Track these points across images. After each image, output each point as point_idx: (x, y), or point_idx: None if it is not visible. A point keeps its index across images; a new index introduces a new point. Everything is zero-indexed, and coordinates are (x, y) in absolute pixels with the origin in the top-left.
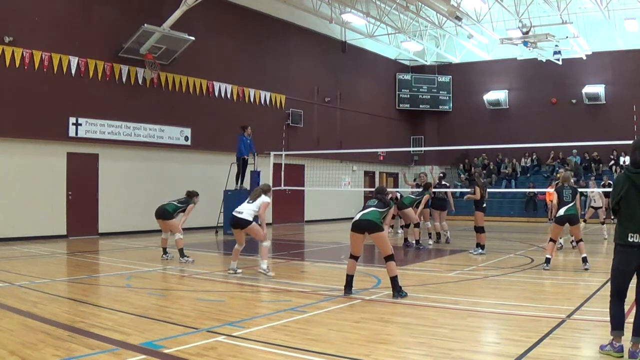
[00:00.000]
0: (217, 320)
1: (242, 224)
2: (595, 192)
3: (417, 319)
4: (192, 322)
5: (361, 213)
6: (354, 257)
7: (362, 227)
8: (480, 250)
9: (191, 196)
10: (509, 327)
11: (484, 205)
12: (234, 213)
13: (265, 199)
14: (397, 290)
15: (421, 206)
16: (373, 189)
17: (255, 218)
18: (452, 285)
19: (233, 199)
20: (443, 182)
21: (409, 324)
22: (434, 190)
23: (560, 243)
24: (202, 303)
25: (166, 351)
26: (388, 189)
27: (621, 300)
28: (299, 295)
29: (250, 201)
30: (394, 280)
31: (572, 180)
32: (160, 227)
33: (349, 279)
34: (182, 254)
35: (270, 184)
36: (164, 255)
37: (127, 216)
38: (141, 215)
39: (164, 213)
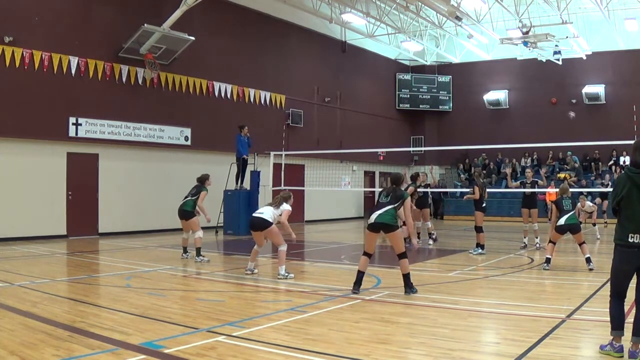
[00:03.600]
0: (217, 320)
1: (264, 224)
2: (587, 205)
3: (417, 319)
4: (192, 322)
5: (376, 214)
6: (367, 255)
7: (378, 228)
8: (480, 250)
9: (202, 181)
10: (509, 327)
11: (484, 205)
12: (254, 214)
13: (288, 207)
14: (409, 287)
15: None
16: (372, 189)
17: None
18: (452, 285)
19: (233, 199)
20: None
21: (409, 324)
22: (423, 190)
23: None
24: (202, 303)
25: (166, 351)
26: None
27: (621, 300)
28: (299, 295)
29: (274, 206)
30: (406, 277)
31: (570, 192)
32: (182, 227)
33: (360, 276)
34: (198, 253)
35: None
36: (183, 255)
37: (127, 216)
38: (141, 215)
39: (185, 213)
